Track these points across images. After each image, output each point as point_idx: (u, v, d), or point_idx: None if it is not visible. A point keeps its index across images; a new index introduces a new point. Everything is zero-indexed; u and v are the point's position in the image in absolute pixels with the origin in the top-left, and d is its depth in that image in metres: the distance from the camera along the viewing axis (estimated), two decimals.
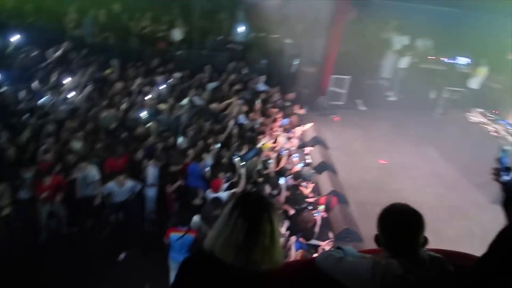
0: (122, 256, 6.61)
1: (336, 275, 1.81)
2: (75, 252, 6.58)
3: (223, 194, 6.18)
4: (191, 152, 7.06)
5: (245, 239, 1.69)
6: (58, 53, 9.65)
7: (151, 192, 6.95)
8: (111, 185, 6.55)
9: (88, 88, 8.81)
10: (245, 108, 8.90)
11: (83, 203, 6.74)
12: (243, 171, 6.55)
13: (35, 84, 8.61)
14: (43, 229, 6.72)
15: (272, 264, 1.74)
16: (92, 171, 6.56)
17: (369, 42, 11.55)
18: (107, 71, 9.67)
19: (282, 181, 6.58)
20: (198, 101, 9.08)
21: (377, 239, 1.81)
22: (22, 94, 8.37)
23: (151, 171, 6.80)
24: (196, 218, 5.67)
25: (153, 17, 11.57)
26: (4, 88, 8.20)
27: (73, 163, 6.64)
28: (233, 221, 1.73)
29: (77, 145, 7.09)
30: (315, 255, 5.06)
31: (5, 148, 6.62)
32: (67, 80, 8.76)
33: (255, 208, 1.75)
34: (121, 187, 6.59)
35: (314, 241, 5.91)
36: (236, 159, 6.67)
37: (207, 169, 6.85)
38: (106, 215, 6.91)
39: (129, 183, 6.65)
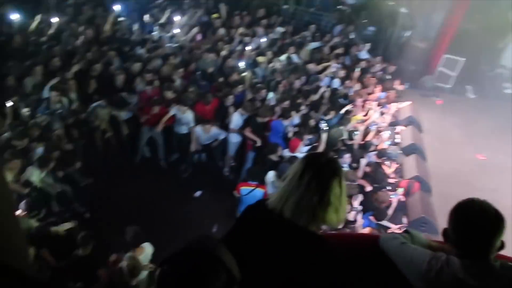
0: (198, 194, 7.06)
1: (395, 259, 1.75)
2: (160, 180, 7.20)
3: (301, 156, 6.15)
4: (278, 109, 7.07)
5: (319, 201, 1.70)
6: None
7: (234, 139, 7.15)
8: (198, 129, 6.88)
9: (194, 30, 9.15)
10: (342, 73, 8.60)
11: (176, 139, 7.24)
12: (325, 136, 6.44)
13: (146, 18, 9.17)
14: (139, 152, 7.43)
15: (334, 224, 1.76)
16: (189, 116, 6.89)
17: (493, 22, 10.14)
18: (214, 16, 9.89)
19: (364, 155, 6.37)
20: (296, 59, 8.97)
21: (445, 233, 1.67)
22: (135, 26, 8.98)
23: (236, 118, 6.95)
24: (271, 174, 5.77)
25: None
26: (121, 19, 8.82)
27: (171, 99, 7.04)
28: (305, 182, 1.71)
29: (176, 82, 7.50)
30: None
31: (116, 74, 7.23)
32: (176, 19, 9.18)
33: (327, 171, 1.74)
34: (207, 133, 6.89)
35: (385, 222, 5.73)
36: (323, 124, 6.55)
37: (291, 128, 6.82)
38: (191, 155, 7.34)
39: (214, 131, 6.92)
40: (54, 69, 6.95)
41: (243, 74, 7.84)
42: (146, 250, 4.68)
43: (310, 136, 6.49)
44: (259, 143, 6.79)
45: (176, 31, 8.87)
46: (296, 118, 6.94)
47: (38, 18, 8.03)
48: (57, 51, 7.37)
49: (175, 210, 6.59)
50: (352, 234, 2.23)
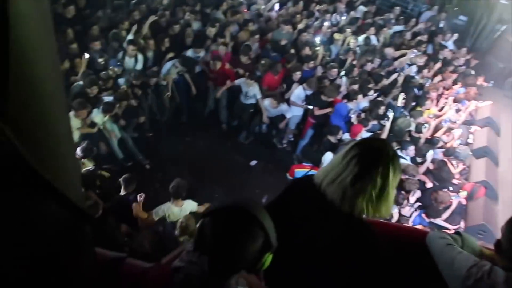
0: (253, 163, 7.22)
1: (437, 259, 1.70)
2: (219, 143, 7.46)
3: None
4: (343, 89, 6.91)
5: (352, 183, 1.62)
6: None
7: (294, 112, 7.15)
8: (266, 102, 6.92)
9: (274, 1, 9.05)
10: (421, 61, 8.14)
11: (240, 106, 7.38)
12: (388, 124, 6.24)
13: None
14: (207, 108, 7.80)
15: (373, 216, 1.66)
16: (255, 89, 6.95)
17: None
18: None
19: (430, 151, 6.09)
20: (374, 41, 8.62)
21: (498, 243, 1.59)
22: None
23: (299, 91, 6.89)
24: (328, 156, 5.72)
25: None
26: None
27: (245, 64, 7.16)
28: (346, 160, 1.65)
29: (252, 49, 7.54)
30: None
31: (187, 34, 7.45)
32: None
33: (372, 156, 1.63)
34: (274, 108, 6.93)
35: (441, 222, 5.52)
36: (390, 112, 6.33)
37: (356, 112, 6.62)
38: (254, 125, 7.47)
39: (282, 107, 6.93)
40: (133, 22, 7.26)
41: (316, 49, 7.72)
42: (186, 205, 4.76)
43: (374, 122, 6.31)
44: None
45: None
46: (363, 102, 6.73)
47: None
48: (142, 8, 7.70)
49: (228, 175, 6.80)
50: (400, 226, 2.18)
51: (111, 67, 6.40)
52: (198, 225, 1.36)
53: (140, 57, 6.79)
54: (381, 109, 6.37)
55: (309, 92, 6.85)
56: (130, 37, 6.82)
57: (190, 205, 4.82)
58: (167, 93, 7.02)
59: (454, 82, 8.14)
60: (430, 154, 6.05)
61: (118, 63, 6.58)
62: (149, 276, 1.69)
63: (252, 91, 6.97)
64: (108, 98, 5.93)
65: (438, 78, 8.06)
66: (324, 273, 1.71)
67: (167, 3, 8.15)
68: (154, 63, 7.16)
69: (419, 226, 5.06)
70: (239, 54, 7.23)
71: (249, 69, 7.14)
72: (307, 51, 7.60)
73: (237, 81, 7.04)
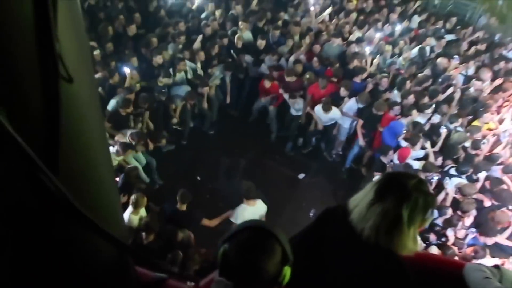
0: (301, 176, 7.26)
1: None
2: (266, 155, 7.59)
3: (415, 163, 5.90)
4: (398, 106, 6.72)
5: (367, 205, 1.68)
6: None
7: (345, 124, 7.17)
8: (318, 108, 6.97)
9: (327, 11, 9.03)
10: (480, 74, 7.75)
11: (289, 118, 7.58)
12: (440, 143, 6.11)
13: None
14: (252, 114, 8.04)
15: (394, 250, 1.68)
16: (300, 104, 7.21)
17: None
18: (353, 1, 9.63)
19: (483, 172, 5.84)
20: (429, 52, 8.36)
21: None
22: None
23: (352, 103, 6.94)
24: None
25: None
26: None
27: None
28: (369, 188, 1.72)
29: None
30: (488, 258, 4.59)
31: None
32: None
33: (397, 190, 1.67)
34: (326, 113, 6.95)
35: (502, 241, 5.24)
36: (443, 129, 6.16)
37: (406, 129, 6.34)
38: (309, 135, 7.58)
39: (334, 111, 6.94)
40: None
41: (366, 61, 7.66)
42: (258, 204, 5.08)
43: (425, 142, 6.12)
44: (361, 141, 6.93)
45: (311, 10, 8.89)
46: (419, 119, 6.50)
47: None
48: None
49: (275, 188, 6.84)
50: (436, 257, 2.15)
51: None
52: (219, 252, 1.44)
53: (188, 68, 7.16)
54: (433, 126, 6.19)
55: (361, 105, 6.85)
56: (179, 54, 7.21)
57: (261, 205, 5.13)
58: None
59: None
60: (482, 174, 5.81)
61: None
62: None
63: (298, 105, 7.18)
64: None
65: (497, 89, 7.65)
66: None
67: (218, 15, 8.43)
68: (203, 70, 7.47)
69: (472, 248, 4.87)
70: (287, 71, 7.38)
71: (297, 86, 7.31)
72: (356, 63, 7.57)
73: (283, 95, 7.26)
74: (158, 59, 6.91)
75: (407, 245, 1.67)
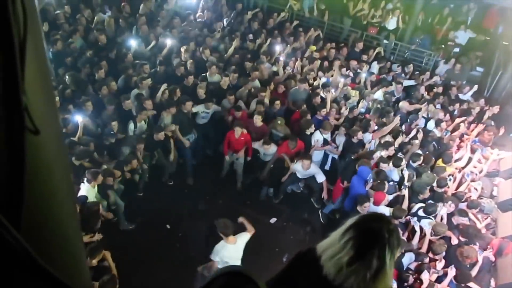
0: (273, 220, 7.23)
1: None
2: (235, 201, 7.53)
3: (385, 209, 6.00)
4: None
5: (347, 264, 1.67)
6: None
7: (317, 158, 7.44)
8: (297, 165, 7.00)
9: (289, 58, 9.39)
10: (439, 115, 8.18)
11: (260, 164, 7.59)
12: (407, 185, 6.27)
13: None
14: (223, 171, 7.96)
15: None
16: (273, 150, 7.19)
17: None
18: (312, 48, 10.09)
19: (444, 208, 6.03)
20: (393, 96, 8.79)
21: None
22: None
23: (318, 136, 7.28)
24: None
25: (371, 1, 11.46)
26: None
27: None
28: (344, 241, 1.70)
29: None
30: None
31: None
32: (276, 47, 9.53)
33: (368, 239, 1.69)
34: (305, 170, 6.99)
35: (474, 286, 5.29)
36: (408, 172, 6.36)
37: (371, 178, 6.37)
38: (285, 185, 7.55)
39: (313, 169, 7.01)
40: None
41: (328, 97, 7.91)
42: (239, 240, 5.00)
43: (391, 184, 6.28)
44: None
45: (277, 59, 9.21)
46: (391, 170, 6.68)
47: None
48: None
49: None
50: None
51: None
52: None
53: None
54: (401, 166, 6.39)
55: (326, 135, 7.16)
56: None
57: (243, 237, 5.06)
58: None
59: (471, 132, 8.11)
60: (443, 211, 5.99)
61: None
62: None
63: (270, 152, 7.21)
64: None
65: (456, 129, 8.06)
66: None
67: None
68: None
69: None
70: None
71: (263, 132, 7.41)
72: (318, 100, 7.93)
73: (255, 145, 7.29)
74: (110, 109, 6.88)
75: (388, 284, 1.70)
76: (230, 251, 4.90)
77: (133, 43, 8.68)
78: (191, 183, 7.77)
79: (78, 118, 6.30)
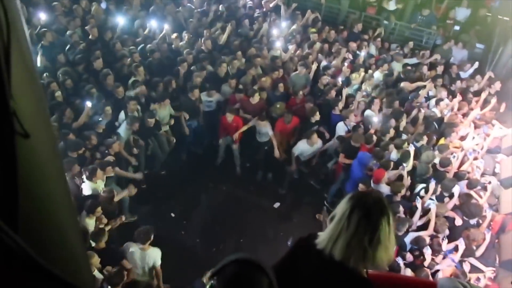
0: (276, 205, 7.27)
1: None
2: (237, 187, 7.62)
3: (385, 188, 6.02)
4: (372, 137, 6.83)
5: (370, 241, 1.71)
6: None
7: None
8: (302, 144, 6.99)
9: (289, 41, 9.28)
10: (440, 94, 8.11)
11: (256, 145, 7.58)
12: (409, 165, 6.27)
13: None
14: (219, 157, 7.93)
15: (384, 263, 1.76)
16: (267, 127, 7.17)
17: None
18: (312, 30, 9.95)
19: (456, 186, 6.00)
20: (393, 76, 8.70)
21: None
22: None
23: (341, 125, 7.20)
24: None
25: None
26: None
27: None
28: (354, 222, 1.74)
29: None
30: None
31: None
32: (274, 30, 9.41)
33: (375, 209, 1.74)
34: (311, 146, 7.00)
35: (475, 262, 5.33)
36: (411, 147, 6.35)
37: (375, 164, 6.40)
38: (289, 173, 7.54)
39: (320, 143, 7.04)
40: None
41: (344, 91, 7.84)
42: (151, 251, 4.94)
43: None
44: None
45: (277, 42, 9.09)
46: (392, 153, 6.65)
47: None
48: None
49: (251, 219, 6.88)
50: (408, 278, 2.20)
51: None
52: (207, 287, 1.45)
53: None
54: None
55: (349, 125, 7.09)
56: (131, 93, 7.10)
57: (155, 253, 4.97)
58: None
59: (473, 109, 8.04)
60: (456, 189, 5.95)
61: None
62: None
63: (264, 129, 7.16)
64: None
65: (458, 107, 7.99)
66: None
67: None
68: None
69: (452, 269, 4.95)
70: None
71: (260, 109, 7.35)
72: (333, 94, 7.78)
73: (251, 122, 7.24)
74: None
75: (389, 253, 1.77)
76: (137, 256, 4.91)
77: (120, 21, 8.64)
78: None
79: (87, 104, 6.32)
